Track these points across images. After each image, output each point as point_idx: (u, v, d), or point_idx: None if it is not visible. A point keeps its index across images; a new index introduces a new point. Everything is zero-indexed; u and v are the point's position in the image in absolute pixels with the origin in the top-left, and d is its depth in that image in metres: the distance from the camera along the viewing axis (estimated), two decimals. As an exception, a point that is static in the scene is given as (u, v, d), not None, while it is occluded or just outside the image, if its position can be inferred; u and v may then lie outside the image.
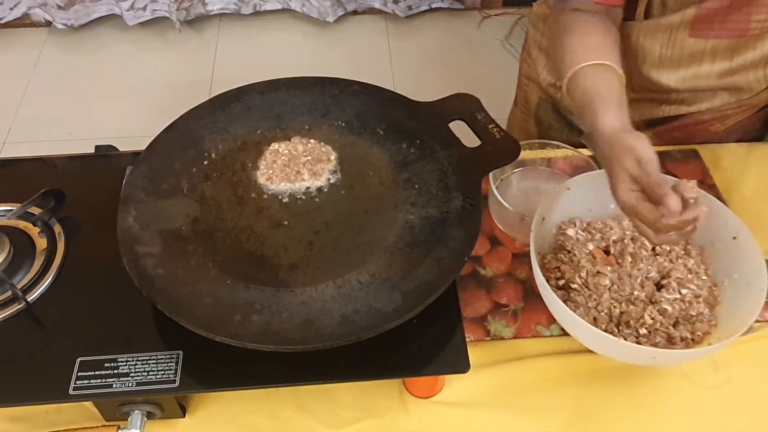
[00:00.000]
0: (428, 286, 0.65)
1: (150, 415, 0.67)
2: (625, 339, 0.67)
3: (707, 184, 0.90)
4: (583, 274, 0.72)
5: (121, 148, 0.90)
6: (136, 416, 0.66)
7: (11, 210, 0.78)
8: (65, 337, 0.68)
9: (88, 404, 0.70)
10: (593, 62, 0.76)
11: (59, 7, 2.35)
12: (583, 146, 0.95)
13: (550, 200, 0.74)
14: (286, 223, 0.73)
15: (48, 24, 2.46)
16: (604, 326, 0.69)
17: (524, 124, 1.12)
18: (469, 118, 0.79)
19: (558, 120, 1.05)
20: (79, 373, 0.64)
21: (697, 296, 0.71)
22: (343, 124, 0.83)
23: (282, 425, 0.70)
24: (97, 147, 0.90)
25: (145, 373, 0.64)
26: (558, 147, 0.88)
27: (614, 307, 0.70)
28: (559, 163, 0.89)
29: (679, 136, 0.97)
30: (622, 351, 0.65)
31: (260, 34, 2.47)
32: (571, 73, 0.77)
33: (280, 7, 2.47)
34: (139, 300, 0.65)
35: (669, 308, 0.70)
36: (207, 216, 0.74)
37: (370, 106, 0.83)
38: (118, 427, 0.66)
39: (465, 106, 0.80)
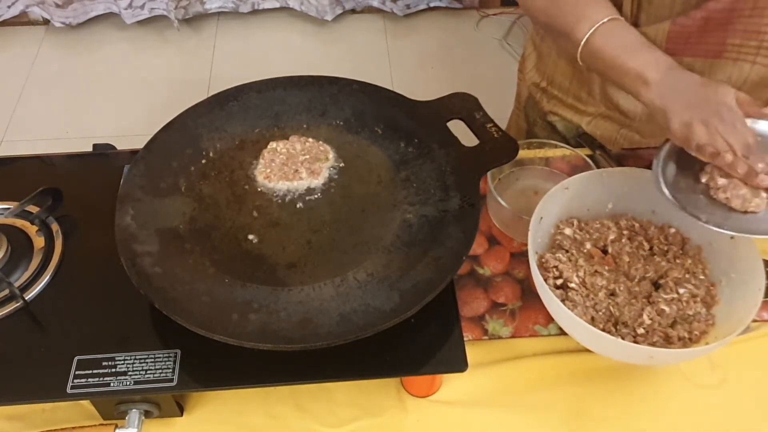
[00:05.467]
0: (426, 285, 0.65)
1: (148, 414, 0.67)
2: (623, 338, 0.67)
3: (705, 184, 0.90)
4: (581, 274, 0.72)
5: (119, 147, 0.90)
6: (134, 415, 0.66)
7: (9, 208, 0.78)
8: (63, 335, 0.68)
9: (86, 403, 0.70)
10: (603, 20, 0.75)
11: (57, 6, 2.34)
12: (581, 146, 0.95)
13: (548, 200, 0.74)
14: (283, 221, 0.73)
15: (46, 22, 2.45)
16: (601, 325, 0.69)
17: (516, 118, 1.13)
18: (467, 118, 0.79)
19: (541, 118, 1.06)
20: (76, 372, 0.64)
21: (694, 296, 0.71)
22: (342, 123, 0.83)
23: (280, 424, 0.70)
24: (94, 145, 0.90)
25: (143, 372, 0.64)
26: (556, 146, 0.88)
27: (612, 306, 0.70)
28: (557, 163, 0.89)
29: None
30: (620, 350, 0.66)
31: (258, 32, 2.47)
32: (586, 38, 0.75)
33: (278, 5, 2.47)
34: (137, 299, 0.65)
35: (666, 308, 0.70)
36: (205, 215, 0.74)
37: (368, 105, 0.83)
38: (116, 426, 0.66)
39: (463, 106, 0.80)
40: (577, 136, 0.99)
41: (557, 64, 0.98)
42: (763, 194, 0.68)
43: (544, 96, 1.03)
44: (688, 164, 0.71)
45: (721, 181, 0.68)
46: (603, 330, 0.68)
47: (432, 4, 2.49)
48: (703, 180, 0.71)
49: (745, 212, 0.68)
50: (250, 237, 0.72)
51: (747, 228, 0.67)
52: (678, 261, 0.74)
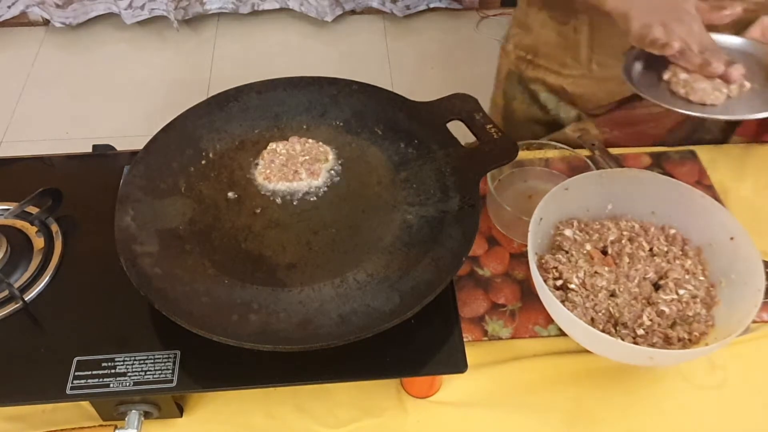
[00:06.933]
0: (426, 286, 0.65)
1: (147, 415, 0.67)
2: (623, 339, 0.67)
3: (704, 185, 0.90)
4: (581, 275, 0.72)
5: (119, 148, 0.90)
6: (134, 416, 0.66)
7: (8, 209, 0.78)
8: (62, 336, 0.68)
9: (86, 404, 0.70)
10: None
11: (57, 6, 2.35)
12: (581, 146, 0.95)
13: (548, 200, 0.74)
14: (283, 222, 0.73)
15: (46, 22, 2.46)
16: (601, 326, 0.69)
17: (494, 97, 1.16)
18: (467, 118, 0.79)
19: (522, 92, 1.09)
20: (76, 373, 0.64)
21: (694, 297, 0.71)
22: (341, 124, 0.83)
23: (280, 425, 0.70)
24: (94, 146, 0.90)
25: (143, 373, 0.64)
26: (556, 147, 0.88)
27: (612, 307, 0.70)
28: (556, 164, 0.89)
29: (619, 136, 1.01)
30: (620, 351, 0.66)
31: (258, 33, 2.47)
32: None
33: (278, 6, 2.47)
34: (137, 299, 0.65)
35: (666, 309, 0.70)
36: (204, 215, 0.74)
37: (368, 106, 0.83)
38: (116, 427, 0.66)
39: (463, 106, 0.80)
40: (558, 107, 1.05)
41: (540, 35, 1.02)
42: (723, 89, 0.74)
43: (529, 66, 1.06)
44: (653, 66, 0.78)
45: (683, 76, 0.74)
46: (603, 331, 0.68)
47: (432, 5, 2.49)
48: (665, 77, 0.77)
49: (704, 105, 0.74)
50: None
51: (704, 111, 0.74)
52: (678, 262, 0.74)
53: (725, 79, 0.73)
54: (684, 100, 0.75)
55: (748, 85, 0.76)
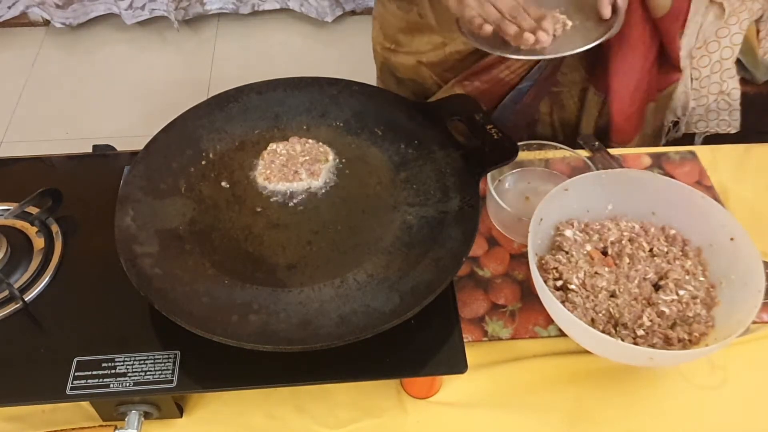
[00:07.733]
0: (426, 287, 0.65)
1: (147, 415, 0.67)
2: (623, 340, 0.67)
3: (704, 186, 0.90)
4: (581, 275, 0.72)
5: (119, 148, 0.90)
6: (134, 416, 0.66)
7: (9, 209, 0.78)
8: (62, 336, 0.68)
9: (86, 404, 0.69)
10: None
11: (57, 6, 2.35)
12: (581, 147, 0.95)
13: (548, 201, 0.74)
14: (283, 223, 0.73)
15: (46, 23, 2.46)
16: (601, 327, 0.69)
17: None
18: (467, 119, 0.79)
19: (395, 82, 1.13)
20: (76, 373, 0.64)
21: (694, 297, 0.71)
22: (342, 125, 0.83)
23: (280, 425, 0.70)
24: (94, 146, 0.90)
25: (143, 373, 0.64)
26: (556, 148, 0.88)
27: (612, 308, 0.70)
28: (557, 164, 0.89)
29: (480, 87, 1.03)
30: (620, 352, 0.66)
31: (258, 34, 2.47)
32: None
33: (278, 6, 2.47)
34: (137, 300, 0.65)
35: (666, 310, 0.70)
36: (204, 216, 0.74)
37: (368, 107, 0.83)
38: (115, 427, 0.66)
39: (463, 107, 0.80)
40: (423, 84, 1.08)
41: (394, 24, 1.06)
42: (549, 31, 0.81)
43: (392, 54, 1.11)
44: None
45: (512, 29, 0.80)
46: (603, 331, 0.68)
47: (432, 6, 2.49)
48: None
49: (534, 48, 0.81)
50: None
51: (534, 54, 0.81)
52: (678, 262, 0.74)
53: (538, 43, 0.80)
54: (516, 46, 0.82)
55: (569, 23, 0.84)
